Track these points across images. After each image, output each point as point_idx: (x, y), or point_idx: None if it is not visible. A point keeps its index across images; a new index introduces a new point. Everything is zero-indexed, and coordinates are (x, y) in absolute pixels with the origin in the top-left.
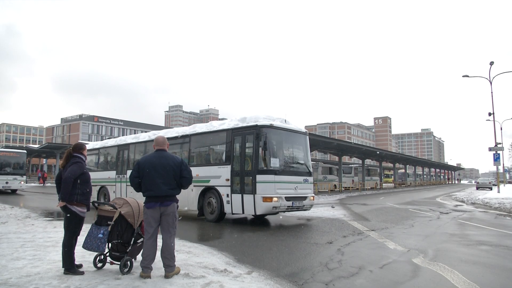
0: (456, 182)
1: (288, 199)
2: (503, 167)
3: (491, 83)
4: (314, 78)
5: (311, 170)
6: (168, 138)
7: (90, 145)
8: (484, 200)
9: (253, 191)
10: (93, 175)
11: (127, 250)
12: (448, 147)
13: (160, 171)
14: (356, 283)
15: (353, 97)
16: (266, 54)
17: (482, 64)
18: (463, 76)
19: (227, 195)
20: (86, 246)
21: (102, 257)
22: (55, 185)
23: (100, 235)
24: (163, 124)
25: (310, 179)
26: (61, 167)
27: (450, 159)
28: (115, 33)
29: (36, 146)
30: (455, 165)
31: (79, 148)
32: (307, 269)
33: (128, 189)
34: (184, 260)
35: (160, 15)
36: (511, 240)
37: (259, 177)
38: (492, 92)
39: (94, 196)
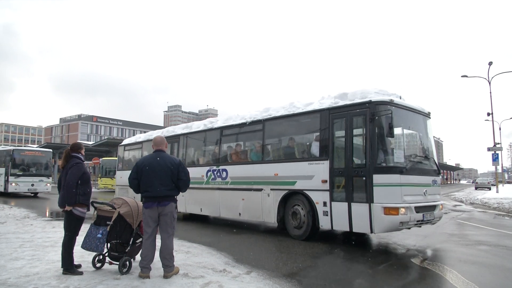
0: (456, 182)
1: (417, 209)
2: (502, 167)
3: (490, 83)
4: (314, 77)
5: (439, 167)
6: (233, 126)
7: (132, 139)
8: (483, 200)
9: (369, 199)
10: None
11: (126, 250)
12: (447, 147)
13: (157, 171)
14: (355, 283)
15: None
16: (265, 53)
17: (481, 64)
18: (462, 76)
19: (324, 203)
20: (85, 246)
21: (101, 257)
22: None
23: (99, 235)
24: (162, 124)
25: (439, 179)
26: (61, 167)
27: (449, 159)
28: (113, 33)
29: (35, 146)
30: (454, 165)
31: (78, 147)
32: (306, 269)
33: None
34: (183, 260)
35: (158, 15)
36: (510, 240)
37: (377, 178)
38: (491, 92)
39: None
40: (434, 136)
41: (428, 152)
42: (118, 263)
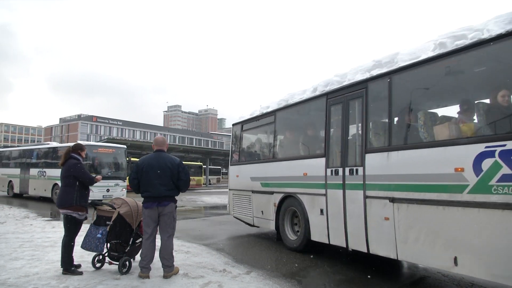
0: None
1: None
2: None
3: None
4: (313, 78)
5: None
6: (316, 96)
7: (256, 111)
8: None
9: None
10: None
11: (126, 250)
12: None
13: (158, 172)
14: (355, 282)
15: None
16: (265, 54)
17: None
18: None
19: None
20: (84, 246)
21: (101, 257)
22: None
23: (99, 235)
24: (162, 124)
25: None
26: (61, 165)
27: None
28: (112, 33)
29: (10, 148)
30: None
31: (78, 148)
32: (306, 269)
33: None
34: (183, 260)
35: (157, 15)
36: None
37: None
38: None
39: None
40: None
41: None
42: (118, 263)
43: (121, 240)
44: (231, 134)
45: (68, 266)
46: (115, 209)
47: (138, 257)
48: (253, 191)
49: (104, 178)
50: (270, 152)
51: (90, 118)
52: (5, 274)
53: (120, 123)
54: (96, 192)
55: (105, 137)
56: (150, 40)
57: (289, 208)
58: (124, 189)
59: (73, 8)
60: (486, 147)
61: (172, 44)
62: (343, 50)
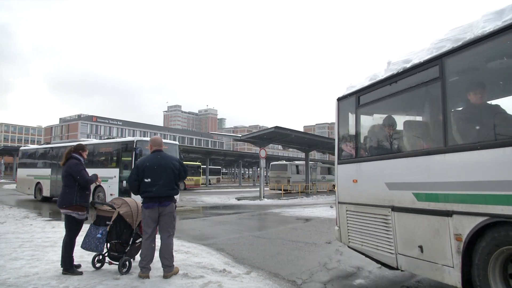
0: None
1: None
2: None
3: None
4: (313, 78)
5: None
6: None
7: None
8: None
9: None
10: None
11: (126, 250)
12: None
13: (160, 172)
14: (355, 283)
15: None
16: (265, 54)
17: None
18: None
19: None
20: (84, 246)
21: (101, 257)
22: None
23: (99, 235)
24: (161, 124)
25: None
26: (62, 165)
27: None
28: (110, 33)
29: (34, 146)
30: None
31: (79, 148)
32: (306, 269)
33: None
34: (183, 260)
35: (156, 16)
36: None
37: None
38: None
39: None
40: None
41: None
42: (117, 263)
43: (121, 240)
44: (336, 113)
45: (68, 266)
46: (115, 209)
47: (138, 257)
48: (394, 208)
49: None
50: (436, 135)
51: (90, 118)
52: (5, 274)
53: (120, 123)
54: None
55: (105, 137)
56: (149, 40)
57: (500, 248)
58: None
59: (72, 8)
60: None
61: (172, 44)
62: (347, 52)
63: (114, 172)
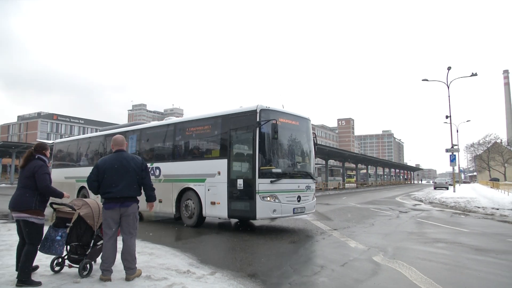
0: (419, 182)
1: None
2: (459, 167)
3: (448, 87)
4: (279, 78)
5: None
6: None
7: None
8: (441, 200)
9: None
10: None
11: (87, 253)
12: (407, 148)
13: (121, 172)
14: (319, 282)
15: (318, 99)
16: (231, 53)
17: (441, 69)
18: (422, 80)
19: None
20: (43, 249)
21: (60, 260)
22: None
23: (58, 238)
24: (126, 123)
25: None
26: (21, 168)
27: (409, 159)
28: (68, 28)
29: (74, 136)
30: (414, 165)
31: (42, 148)
32: (271, 269)
33: None
34: (146, 262)
35: (117, 11)
36: (465, 237)
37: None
38: (449, 96)
39: None
40: (396, 138)
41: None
42: (78, 266)
43: (82, 242)
44: None
45: (27, 277)
46: (75, 210)
47: (99, 259)
48: None
49: (294, 175)
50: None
51: (51, 116)
52: None
53: (82, 122)
54: (284, 203)
55: (66, 136)
56: (111, 36)
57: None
58: (315, 198)
59: (27, 1)
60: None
61: (135, 41)
62: (308, 52)
63: (216, 165)
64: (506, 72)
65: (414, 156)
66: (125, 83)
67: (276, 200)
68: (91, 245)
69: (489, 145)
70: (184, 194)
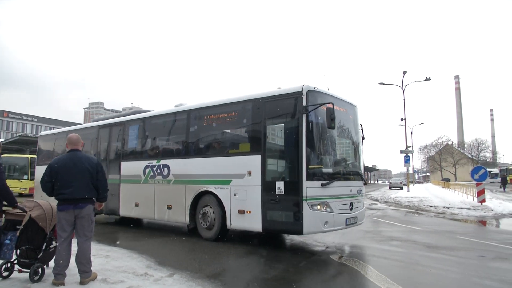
0: (375, 182)
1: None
2: (413, 168)
3: (403, 91)
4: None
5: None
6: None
7: None
8: (396, 199)
9: None
10: None
11: (38, 256)
12: (364, 150)
13: (75, 173)
14: (278, 281)
15: None
16: (191, 53)
17: (397, 73)
18: (379, 83)
19: None
20: None
21: (9, 265)
22: None
23: (7, 241)
24: (82, 122)
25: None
26: None
27: (366, 160)
28: (16, 19)
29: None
30: (371, 166)
31: None
32: (229, 269)
33: None
34: (102, 264)
35: (72, 6)
36: (418, 235)
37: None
38: (404, 99)
39: None
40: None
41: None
42: (28, 270)
43: (33, 245)
44: None
45: None
46: (26, 212)
47: (52, 263)
48: None
49: (347, 177)
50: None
51: (1, 113)
52: None
53: (35, 120)
54: (337, 213)
55: (18, 134)
56: (66, 30)
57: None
58: (365, 204)
59: None
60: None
61: (92, 36)
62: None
63: (246, 163)
64: (457, 77)
65: (371, 157)
66: (82, 80)
67: (328, 209)
68: (43, 248)
69: (441, 147)
70: (201, 199)
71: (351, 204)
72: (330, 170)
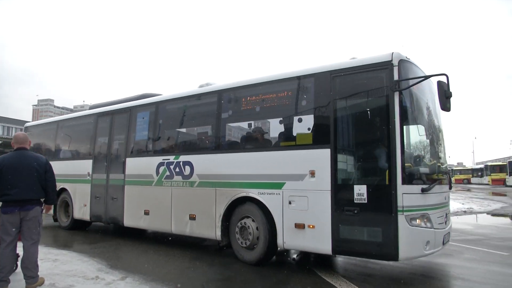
0: None
1: None
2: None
3: None
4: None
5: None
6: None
7: None
8: None
9: None
10: None
11: None
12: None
13: (22, 173)
14: (235, 282)
15: None
16: (144, 49)
17: None
18: None
19: None
20: None
21: None
22: None
23: None
24: (30, 119)
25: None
26: None
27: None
28: None
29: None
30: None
31: None
32: (184, 270)
33: None
34: (50, 269)
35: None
36: None
37: None
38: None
39: None
40: None
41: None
42: None
43: None
44: None
45: None
46: None
47: None
48: None
49: (441, 179)
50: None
51: None
52: None
53: None
54: (437, 229)
55: None
56: (10, 20)
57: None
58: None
59: None
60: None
61: (42, 28)
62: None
63: (307, 159)
64: None
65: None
66: (32, 76)
67: (428, 224)
68: None
69: None
70: (238, 207)
71: (446, 215)
72: (427, 169)
